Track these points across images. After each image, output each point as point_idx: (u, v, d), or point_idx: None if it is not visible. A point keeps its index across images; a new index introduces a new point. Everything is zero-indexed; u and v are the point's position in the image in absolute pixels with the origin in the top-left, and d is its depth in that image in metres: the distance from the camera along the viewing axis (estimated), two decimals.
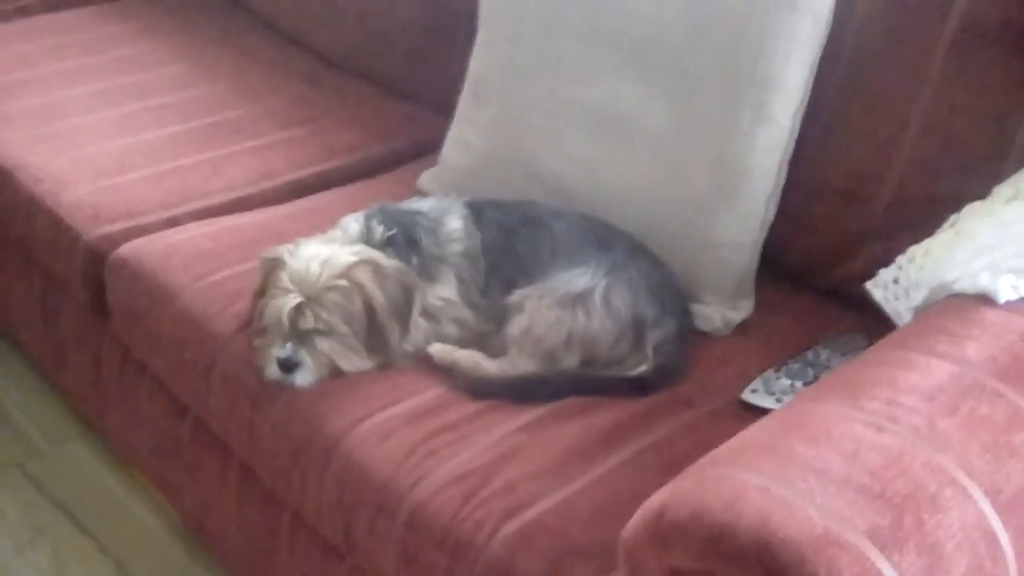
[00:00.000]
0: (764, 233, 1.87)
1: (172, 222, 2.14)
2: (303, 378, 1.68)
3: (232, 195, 2.24)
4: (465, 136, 2.10)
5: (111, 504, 2.30)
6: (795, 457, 1.12)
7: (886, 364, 1.27)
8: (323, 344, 1.67)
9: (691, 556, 1.08)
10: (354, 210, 1.88)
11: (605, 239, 1.80)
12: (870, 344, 1.45)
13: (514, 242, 1.81)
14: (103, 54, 2.79)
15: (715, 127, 1.82)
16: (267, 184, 2.29)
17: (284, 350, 1.67)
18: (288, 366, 1.67)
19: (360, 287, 1.67)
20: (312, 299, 1.66)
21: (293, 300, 1.66)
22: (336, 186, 2.28)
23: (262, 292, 1.73)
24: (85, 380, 2.30)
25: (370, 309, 1.68)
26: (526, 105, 2.00)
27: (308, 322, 1.66)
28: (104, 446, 2.40)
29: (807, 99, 1.82)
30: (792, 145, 1.84)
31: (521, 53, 2.01)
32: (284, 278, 1.68)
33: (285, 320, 1.66)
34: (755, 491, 1.08)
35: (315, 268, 1.67)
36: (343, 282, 1.67)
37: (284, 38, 2.93)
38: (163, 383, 2.01)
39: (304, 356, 1.67)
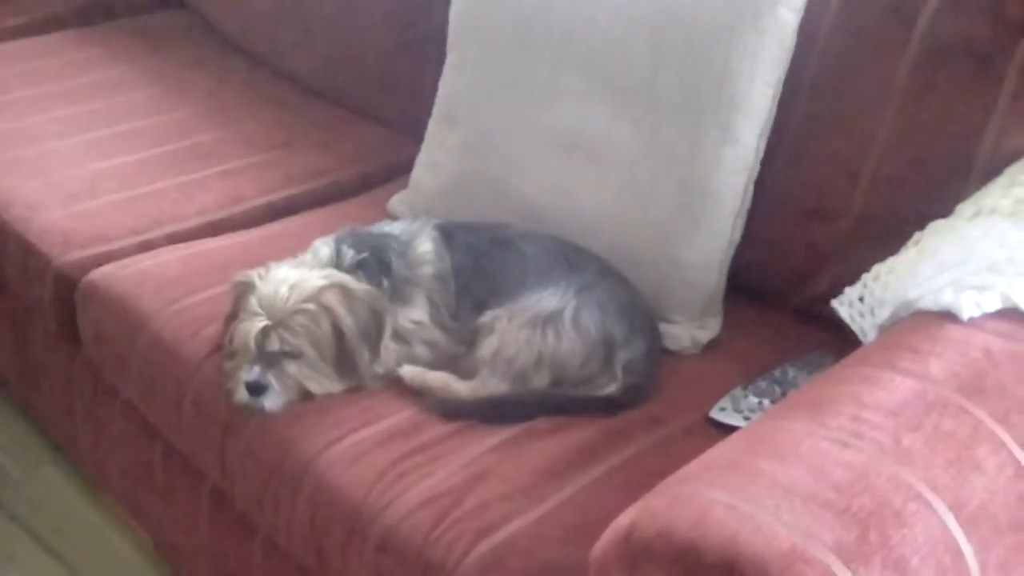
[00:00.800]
0: (731, 253, 1.88)
1: (143, 247, 2.14)
2: (271, 402, 1.68)
3: (204, 219, 2.24)
4: (435, 159, 2.11)
5: (84, 530, 2.29)
6: (762, 474, 1.13)
7: (851, 381, 1.29)
8: (291, 367, 1.68)
9: (660, 574, 1.09)
10: (325, 233, 1.88)
11: (574, 261, 1.81)
12: (836, 361, 1.46)
13: (484, 264, 1.82)
14: (74, 79, 2.79)
15: (681, 149, 1.83)
16: (238, 208, 2.29)
17: (252, 373, 1.67)
18: (256, 389, 1.67)
19: (329, 311, 1.68)
20: (280, 323, 1.66)
21: (260, 323, 1.66)
22: (307, 210, 2.29)
23: (233, 316, 1.73)
24: (57, 405, 2.29)
25: (339, 333, 1.68)
26: (495, 128, 2.01)
27: (275, 345, 1.66)
28: (77, 471, 2.39)
29: (772, 119, 1.84)
30: (758, 166, 1.85)
31: (490, 76, 2.02)
32: (253, 302, 1.68)
33: (252, 343, 1.66)
34: (722, 508, 1.08)
35: (284, 292, 1.68)
36: (311, 306, 1.67)
37: (256, 62, 2.93)
38: (135, 408, 2.00)
39: (272, 379, 1.67)
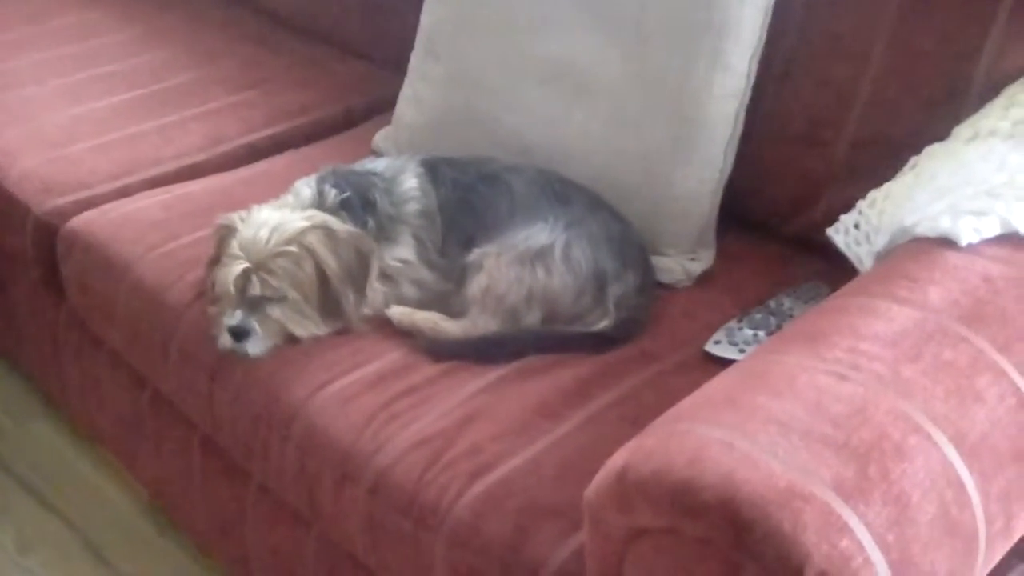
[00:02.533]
0: (723, 182, 1.85)
1: (123, 192, 2.10)
2: (255, 346, 1.65)
3: (184, 162, 2.20)
4: (418, 93, 2.07)
5: (76, 480, 2.28)
6: (757, 410, 1.10)
7: (847, 311, 1.26)
8: (274, 311, 1.65)
9: (655, 514, 1.07)
10: (308, 173, 1.84)
11: (563, 194, 1.78)
12: (832, 291, 1.44)
13: (471, 199, 1.78)
14: (47, 23, 2.74)
15: (671, 77, 1.79)
16: (219, 149, 2.25)
17: (234, 318, 1.64)
18: (239, 334, 1.64)
19: (311, 252, 1.64)
20: (260, 266, 1.63)
21: (241, 267, 1.62)
22: (290, 148, 2.25)
23: (216, 260, 1.70)
24: (44, 356, 2.26)
25: (322, 275, 1.65)
26: (479, 60, 1.97)
27: (256, 289, 1.63)
28: (67, 423, 2.37)
29: (763, 44, 1.80)
30: (749, 92, 1.81)
31: (473, 6, 1.97)
32: (234, 245, 1.65)
33: (232, 288, 1.63)
34: (717, 446, 1.06)
35: (264, 234, 1.64)
36: (293, 248, 1.63)
37: (233, 1, 2.87)
38: (121, 357, 1.97)
39: (255, 324, 1.64)
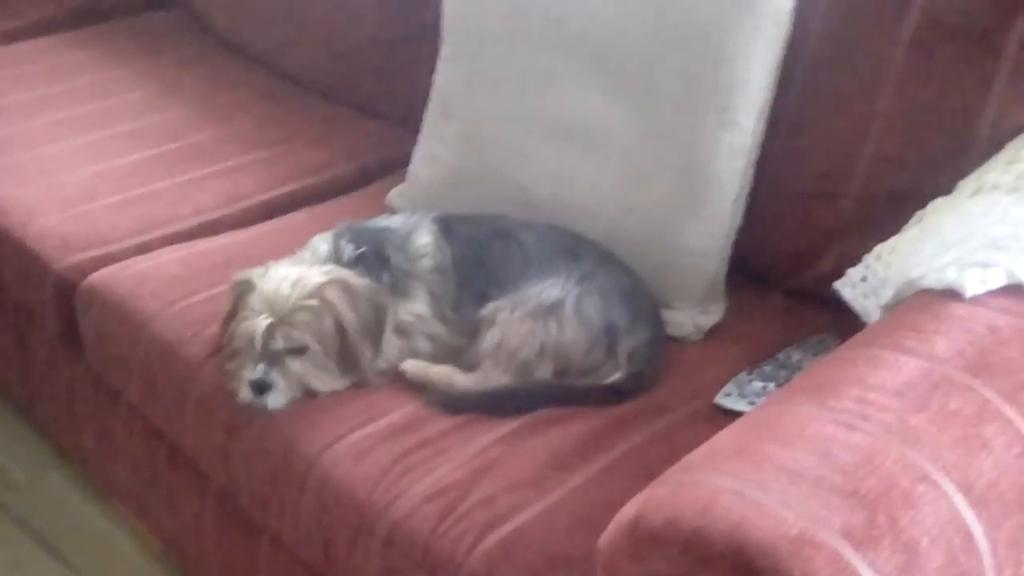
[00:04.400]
0: (732, 237, 1.87)
1: (142, 248, 2.13)
2: (275, 400, 1.67)
3: (201, 219, 2.23)
4: (432, 151, 2.10)
5: (91, 534, 2.29)
6: (767, 459, 1.12)
7: (855, 362, 1.28)
8: (295, 365, 1.67)
9: (667, 563, 1.08)
10: (323, 230, 1.87)
11: (575, 249, 1.81)
12: (841, 343, 1.45)
13: (484, 255, 1.81)
14: (68, 82, 2.78)
15: (680, 133, 1.82)
16: (236, 207, 2.28)
17: (256, 372, 1.66)
18: (260, 388, 1.66)
19: (331, 306, 1.67)
20: (283, 319, 1.65)
21: (264, 321, 1.65)
22: (305, 206, 2.27)
23: (232, 315, 1.72)
24: (60, 410, 2.28)
25: (341, 328, 1.67)
26: (492, 118, 2.00)
27: (279, 342, 1.65)
28: (82, 476, 2.38)
29: (770, 102, 1.83)
30: (757, 148, 1.84)
31: (485, 66, 2.01)
32: (254, 300, 1.67)
33: (257, 341, 1.65)
34: (728, 495, 1.07)
35: (285, 289, 1.67)
36: (314, 302, 1.66)
37: (249, 60, 2.92)
38: (138, 411, 1.99)
39: (276, 377, 1.66)
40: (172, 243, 2.14)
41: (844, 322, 1.57)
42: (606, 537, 1.15)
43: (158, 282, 1.99)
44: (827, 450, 1.12)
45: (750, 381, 1.70)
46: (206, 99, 2.71)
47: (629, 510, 1.13)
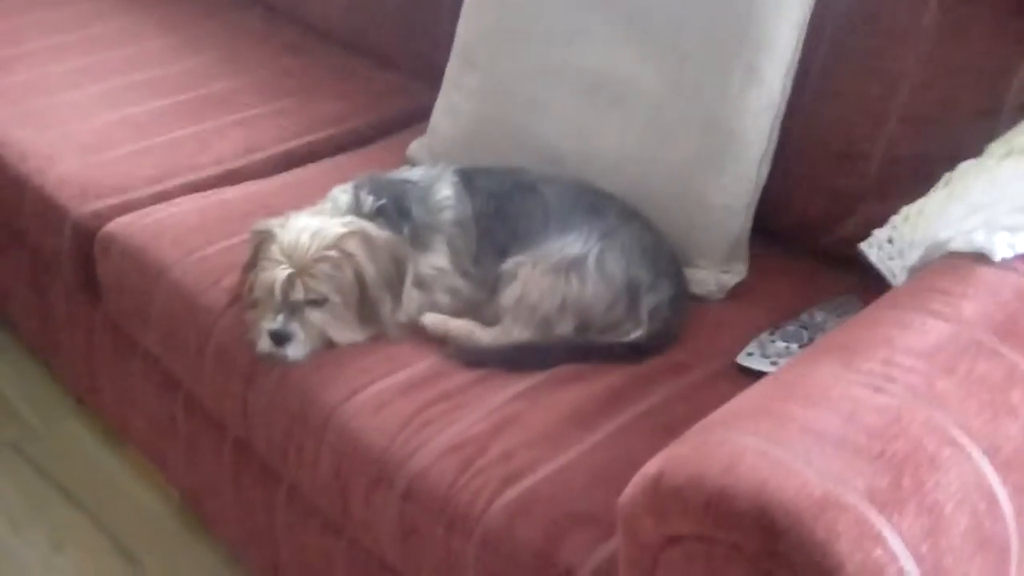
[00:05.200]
0: (757, 195, 1.85)
1: (160, 197, 2.12)
2: (295, 350, 1.66)
3: (220, 168, 2.23)
4: (454, 103, 2.09)
5: (108, 481, 2.30)
6: (792, 419, 1.11)
7: (882, 324, 1.27)
8: (314, 316, 1.66)
9: (689, 521, 1.07)
10: (343, 181, 1.86)
11: (597, 204, 1.79)
12: (865, 305, 1.44)
13: (506, 209, 1.80)
14: (87, 29, 2.77)
15: (706, 90, 1.80)
16: (255, 156, 2.27)
17: (275, 322, 1.66)
18: (280, 338, 1.66)
19: (350, 258, 1.66)
20: (303, 270, 1.65)
21: (284, 272, 1.64)
22: (325, 157, 2.27)
23: (251, 265, 1.72)
24: (78, 358, 2.29)
25: (361, 280, 1.67)
26: (515, 70, 1.98)
27: (299, 293, 1.65)
28: (99, 424, 2.39)
29: (798, 59, 1.81)
30: (784, 106, 1.82)
31: (510, 17, 1.99)
32: (274, 250, 1.66)
33: (277, 292, 1.65)
34: (752, 454, 1.07)
35: (305, 239, 1.66)
36: (333, 253, 1.65)
37: (270, 10, 2.91)
38: (156, 360, 2.00)
39: (296, 328, 1.66)
40: (191, 192, 2.14)
41: (868, 284, 1.56)
42: (627, 494, 1.15)
43: (177, 231, 1.99)
44: (853, 411, 1.11)
45: (772, 341, 1.69)
46: (226, 48, 2.70)
47: (651, 468, 1.13)
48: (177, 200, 2.10)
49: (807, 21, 1.79)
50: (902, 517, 1.02)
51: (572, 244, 1.72)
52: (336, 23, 2.76)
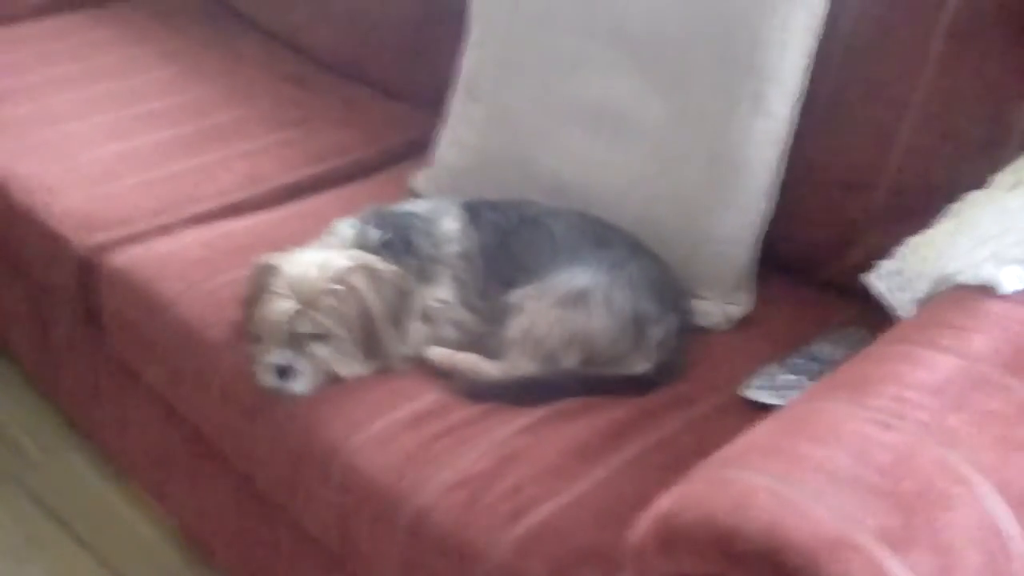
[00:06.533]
0: (763, 227, 1.85)
1: (164, 230, 2.11)
2: (299, 385, 1.65)
3: (224, 200, 2.22)
4: (459, 135, 2.08)
5: (108, 515, 2.28)
6: (803, 457, 1.10)
7: (891, 360, 1.26)
8: (320, 350, 1.65)
9: (699, 560, 1.06)
10: (347, 213, 1.86)
11: (603, 237, 1.79)
12: (871, 336, 1.43)
13: (511, 242, 1.79)
14: (90, 60, 2.77)
15: (712, 120, 1.80)
16: (259, 188, 2.27)
17: (280, 357, 1.65)
18: (284, 373, 1.65)
19: (356, 292, 1.65)
20: (308, 304, 1.64)
21: (290, 306, 1.64)
22: (329, 188, 2.26)
23: (254, 300, 1.71)
24: (80, 391, 2.28)
25: (366, 314, 1.66)
26: (521, 102, 1.98)
27: (305, 327, 1.64)
28: (100, 457, 2.38)
29: (805, 89, 1.81)
30: (790, 137, 1.82)
31: (515, 49, 1.99)
32: (279, 284, 1.66)
33: (283, 326, 1.64)
34: (764, 493, 1.06)
35: (311, 273, 1.65)
36: (339, 287, 1.64)
37: (273, 40, 2.90)
38: (158, 393, 1.98)
39: (300, 363, 1.65)
40: (195, 224, 2.13)
41: (875, 315, 1.55)
42: (636, 532, 1.14)
43: (181, 264, 1.98)
44: (863, 449, 1.10)
45: (779, 373, 1.68)
46: (228, 79, 2.69)
47: (662, 505, 1.12)
48: (181, 233, 2.09)
49: (814, 50, 1.79)
50: (914, 557, 1.01)
51: (579, 277, 1.71)
52: (337, 53, 2.76)
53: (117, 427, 2.19)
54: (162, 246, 2.04)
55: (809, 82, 1.81)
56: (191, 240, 2.05)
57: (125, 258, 2.03)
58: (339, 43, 2.75)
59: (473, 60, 2.07)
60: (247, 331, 1.74)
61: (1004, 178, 1.60)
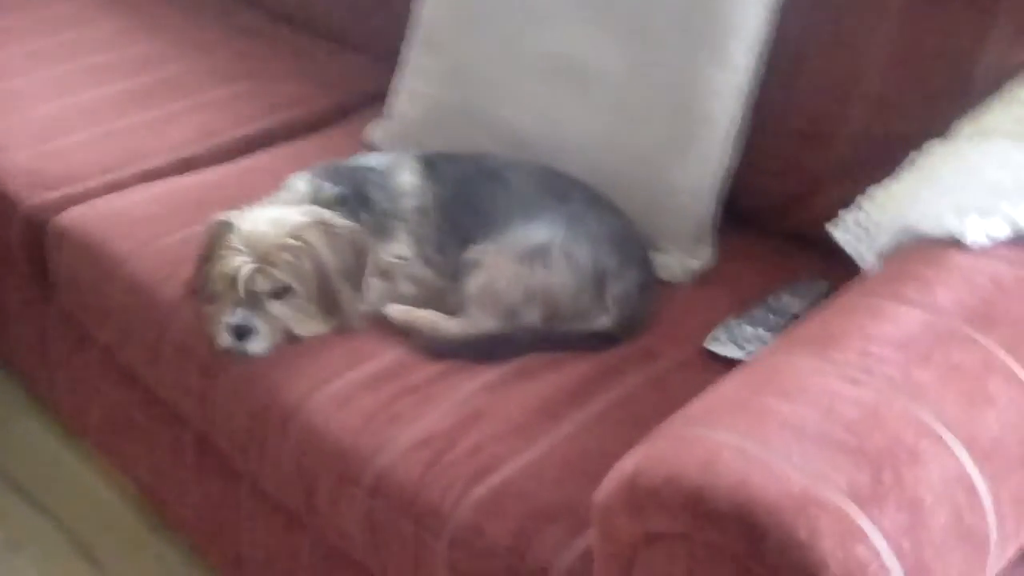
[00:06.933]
0: (725, 179, 1.83)
1: (114, 186, 2.07)
2: (257, 345, 1.62)
3: (175, 156, 2.17)
4: (416, 87, 2.05)
5: (66, 478, 2.25)
6: (769, 414, 1.09)
7: (856, 313, 1.25)
8: (276, 308, 1.62)
9: (667, 520, 1.05)
10: (301, 167, 1.83)
11: (563, 190, 1.76)
12: (832, 287, 1.43)
13: (469, 195, 1.76)
14: (37, 13, 2.71)
15: (673, 72, 1.78)
16: (211, 143, 2.22)
17: (237, 316, 1.62)
18: (241, 332, 1.62)
19: (311, 248, 1.62)
20: (264, 259, 1.61)
21: (245, 262, 1.60)
22: (282, 142, 2.22)
23: (208, 258, 1.67)
24: (32, 353, 2.23)
25: (322, 270, 1.63)
26: (480, 54, 1.95)
27: (262, 284, 1.61)
28: (56, 420, 2.34)
29: (768, 40, 1.78)
30: (753, 88, 1.80)
31: (475, 1, 1.95)
32: (233, 241, 1.62)
33: (239, 284, 1.60)
34: (731, 451, 1.05)
35: (266, 229, 1.62)
36: (295, 242, 1.61)
37: None
38: (112, 354, 1.95)
39: (258, 322, 1.62)
40: (145, 180, 2.09)
41: (836, 265, 1.54)
42: (603, 492, 1.13)
43: (132, 221, 1.94)
44: (830, 405, 1.10)
45: (740, 325, 1.67)
46: (180, 31, 2.65)
47: (627, 464, 1.10)
48: (131, 189, 2.05)
49: (778, 2, 1.77)
50: (883, 512, 1.01)
51: (538, 231, 1.69)
52: (292, 4, 2.71)
53: (71, 389, 2.15)
54: (112, 203, 2.00)
55: (773, 33, 1.78)
56: (141, 197, 2.01)
57: (74, 216, 1.99)
58: None
59: (431, 10, 2.04)
60: (201, 290, 1.71)
61: (964, 128, 1.59)
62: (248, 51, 2.56)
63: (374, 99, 2.26)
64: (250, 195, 1.79)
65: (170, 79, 2.42)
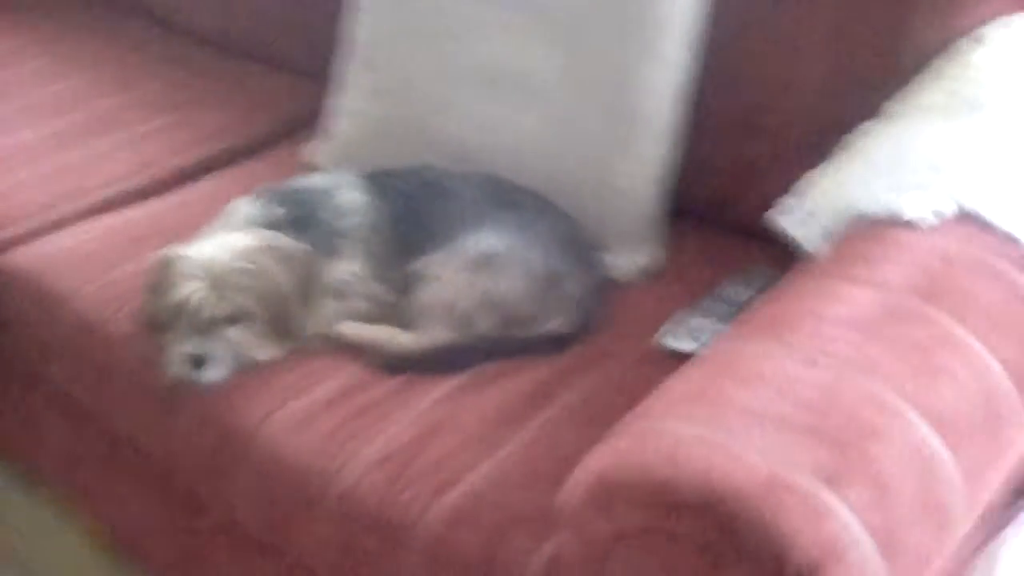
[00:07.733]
0: (667, 176, 1.83)
1: (57, 224, 2.03)
2: (213, 373, 1.60)
3: (114, 190, 2.14)
4: (355, 105, 2.04)
5: (28, 525, 2.21)
6: (729, 401, 1.10)
7: (807, 296, 1.26)
8: (232, 333, 1.61)
9: (636, 515, 1.06)
10: (243, 192, 1.81)
11: (508, 197, 1.76)
12: (779, 275, 1.44)
13: (415, 209, 1.76)
14: None
15: (605, 71, 1.78)
16: (148, 175, 2.19)
17: (194, 345, 1.60)
18: (198, 361, 1.60)
19: (263, 270, 1.61)
20: (220, 285, 1.59)
21: (199, 289, 1.58)
22: (221, 169, 2.20)
23: (158, 288, 1.64)
24: None
25: (276, 292, 1.62)
26: (415, 69, 1.95)
27: (217, 309, 1.59)
28: (10, 467, 2.30)
29: (702, 35, 1.79)
30: (687, 83, 1.81)
31: (409, 15, 1.96)
32: (185, 268, 1.61)
33: (193, 310, 1.59)
34: (693, 442, 1.05)
35: (218, 255, 1.61)
36: (248, 265, 1.60)
37: (152, 22, 2.82)
38: (66, 394, 1.92)
39: (213, 349, 1.60)
40: (86, 217, 2.06)
41: (784, 253, 1.56)
42: (570, 492, 1.13)
43: (75, 258, 1.91)
44: (789, 388, 1.11)
45: (692, 318, 1.68)
46: (107, 65, 2.60)
47: (592, 464, 1.11)
48: (71, 227, 2.01)
49: None
50: (850, 490, 1.02)
51: (487, 239, 1.69)
52: (215, 29, 2.69)
53: (22, 433, 2.11)
54: (56, 242, 1.97)
55: (704, 28, 1.79)
56: (85, 233, 1.98)
57: (18, 257, 1.95)
58: (216, 18, 2.68)
59: (366, 28, 2.03)
60: (151, 321, 1.68)
61: (893, 106, 1.62)
62: (177, 80, 2.52)
63: (309, 120, 2.24)
64: (193, 224, 1.78)
65: (102, 114, 2.38)
